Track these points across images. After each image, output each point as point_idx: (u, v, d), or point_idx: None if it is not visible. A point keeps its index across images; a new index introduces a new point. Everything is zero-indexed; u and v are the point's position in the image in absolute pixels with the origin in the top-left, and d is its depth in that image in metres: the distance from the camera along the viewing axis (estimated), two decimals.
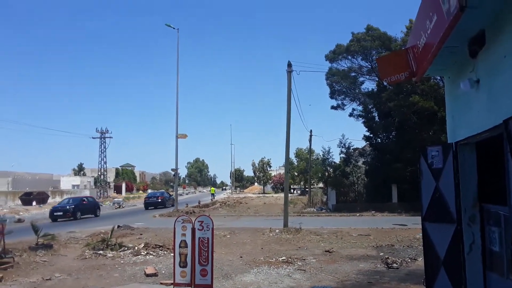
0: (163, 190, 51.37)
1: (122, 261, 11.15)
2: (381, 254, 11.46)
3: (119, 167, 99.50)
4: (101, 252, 12.16)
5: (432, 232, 5.99)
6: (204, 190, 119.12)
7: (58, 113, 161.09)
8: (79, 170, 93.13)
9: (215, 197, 60.33)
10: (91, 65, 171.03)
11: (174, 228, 7.77)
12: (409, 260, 10.44)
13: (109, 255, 11.91)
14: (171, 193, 45.99)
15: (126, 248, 12.69)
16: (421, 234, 6.36)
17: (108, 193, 67.98)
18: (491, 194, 5.42)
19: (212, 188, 78.85)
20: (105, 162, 68.09)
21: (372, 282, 8.33)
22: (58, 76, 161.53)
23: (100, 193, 64.93)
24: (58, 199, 53.77)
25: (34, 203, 45.30)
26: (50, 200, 49.55)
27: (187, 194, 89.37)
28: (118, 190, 77.87)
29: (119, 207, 43.56)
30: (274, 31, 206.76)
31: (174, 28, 34.47)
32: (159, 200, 39.21)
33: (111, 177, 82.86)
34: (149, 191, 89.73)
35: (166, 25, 34.09)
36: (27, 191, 48.88)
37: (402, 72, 6.16)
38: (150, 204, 38.96)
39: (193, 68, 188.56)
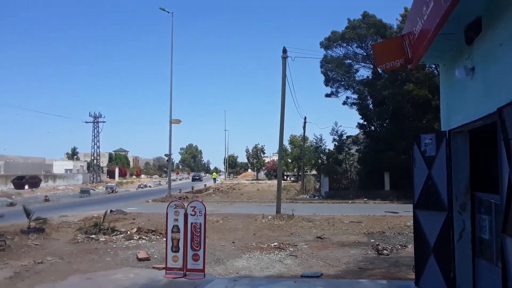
0: (199, 173, 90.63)
1: (114, 246, 11.15)
2: (372, 240, 11.57)
3: (113, 152, 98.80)
4: (93, 236, 12.13)
5: (423, 220, 6.02)
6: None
7: (51, 97, 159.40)
8: (73, 155, 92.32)
9: (216, 181, 70.42)
10: (85, 48, 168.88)
11: (167, 213, 7.77)
12: (399, 247, 10.55)
13: (101, 239, 11.90)
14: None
15: (118, 233, 12.67)
16: (412, 222, 6.40)
17: (101, 178, 67.69)
18: (483, 182, 5.45)
19: (214, 173, 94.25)
20: (98, 147, 67.72)
21: (363, 268, 8.41)
22: (51, 59, 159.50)
23: (93, 178, 64.66)
24: (50, 183, 53.54)
25: (26, 187, 45.00)
26: (42, 184, 49.28)
27: (180, 180, 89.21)
28: (111, 175, 77.46)
29: (112, 192, 43.42)
30: (270, 17, 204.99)
31: (168, 12, 34.35)
32: (198, 178, 75.73)
33: (104, 162, 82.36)
34: (142, 176, 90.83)
35: (161, 9, 34.01)
36: (19, 175, 48.36)
37: (398, 59, 6.11)
38: (195, 179, 73.84)
39: (188, 53, 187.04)
